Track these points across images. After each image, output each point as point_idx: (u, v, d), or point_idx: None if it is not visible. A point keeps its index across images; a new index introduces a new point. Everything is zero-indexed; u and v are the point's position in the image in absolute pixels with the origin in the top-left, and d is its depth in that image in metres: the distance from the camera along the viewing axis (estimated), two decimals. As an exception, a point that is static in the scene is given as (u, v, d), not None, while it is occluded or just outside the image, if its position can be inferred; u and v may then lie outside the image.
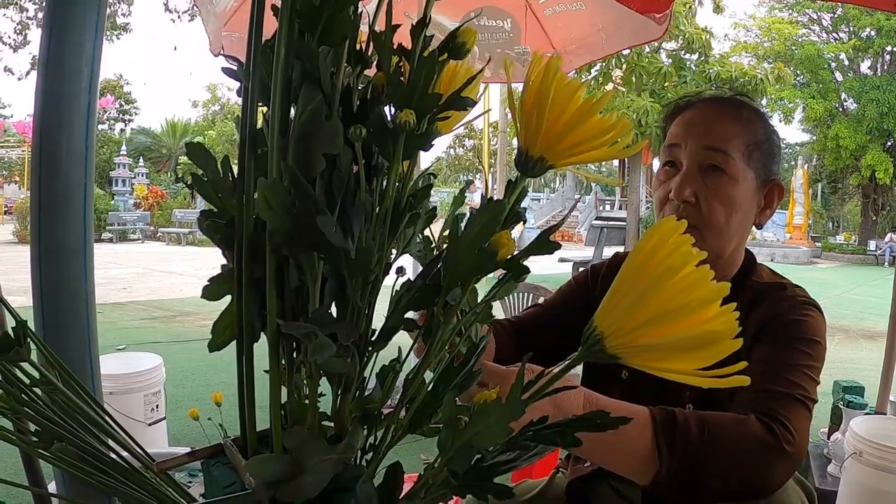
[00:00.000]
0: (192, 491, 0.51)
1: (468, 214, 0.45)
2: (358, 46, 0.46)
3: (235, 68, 0.44)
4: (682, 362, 0.39)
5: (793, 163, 24.12)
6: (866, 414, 2.39)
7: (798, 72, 20.14)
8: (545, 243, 0.46)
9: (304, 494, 0.40)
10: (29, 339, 0.47)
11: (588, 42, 3.30)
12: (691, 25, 10.45)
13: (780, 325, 0.96)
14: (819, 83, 20.67)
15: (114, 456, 0.50)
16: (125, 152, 20.56)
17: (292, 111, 0.43)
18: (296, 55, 0.42)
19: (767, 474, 0.79)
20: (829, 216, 26.06)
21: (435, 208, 0.51)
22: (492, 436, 0.41)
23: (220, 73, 0.46)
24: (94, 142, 1.12)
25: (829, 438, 2.45)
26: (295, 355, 0.46)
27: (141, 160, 22.22)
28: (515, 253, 0.45)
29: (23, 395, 0.47)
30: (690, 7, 10.52)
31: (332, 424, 0.48)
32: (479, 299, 0.50)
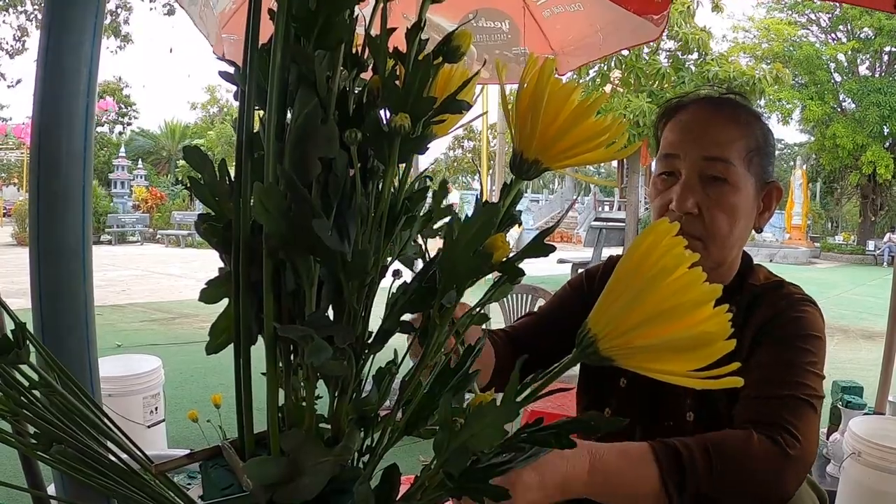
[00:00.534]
0: (191, 493, 0.51)
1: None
2: (354, 50, 0.47)
3: (232, 72, 0.45)
4: (676, 363, 0.39)
5: (791, 163, 24.14)
6: (865, 414, 2.39)
7: (796, 73, 20.14)
8: (541, 246, 0.46)
9: (302, 496, 0.40)
10: (28, 342, 0.47)
11: (586, 43, 3.30)
12: (690, 25, 10.46)
13: (779, 325, 0.95)
14: (817, 84, 20.66)
15: (113, 458, 0.50)
16: (124, 154, 20.57)
17: (288, 115, 0.43)
18: (292, 59, 0.42)
19: (780, 486, 0.79)
20: (828, 216, 26.05)
21: (431, 211, 0.51)
22: (487, 438, 0.41)
23: (217, 75, 0.47)
24: (93, 143, 1.12)
25: (828, 439, 2.45)
26: (292, 358, 0.46)
27: (140, 162, 22.24)
28: (511, 255, 0.46)
29: (22, 398, 0.47)
30: (689, 7, 10.53)
31: (329, 427, 0.48)
32: (475, 302, 0.50)
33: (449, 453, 0.42)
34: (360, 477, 0.45)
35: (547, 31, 3.41)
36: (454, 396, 0.48)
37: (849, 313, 8.94)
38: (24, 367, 0.48)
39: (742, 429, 0.84)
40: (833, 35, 22.20)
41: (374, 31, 0.45)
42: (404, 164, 0.47)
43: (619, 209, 21.88)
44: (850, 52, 20.89)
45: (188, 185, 0.45)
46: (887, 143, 19.64)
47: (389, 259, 0.49)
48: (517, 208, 0.49)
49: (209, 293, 0.45)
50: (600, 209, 23.67)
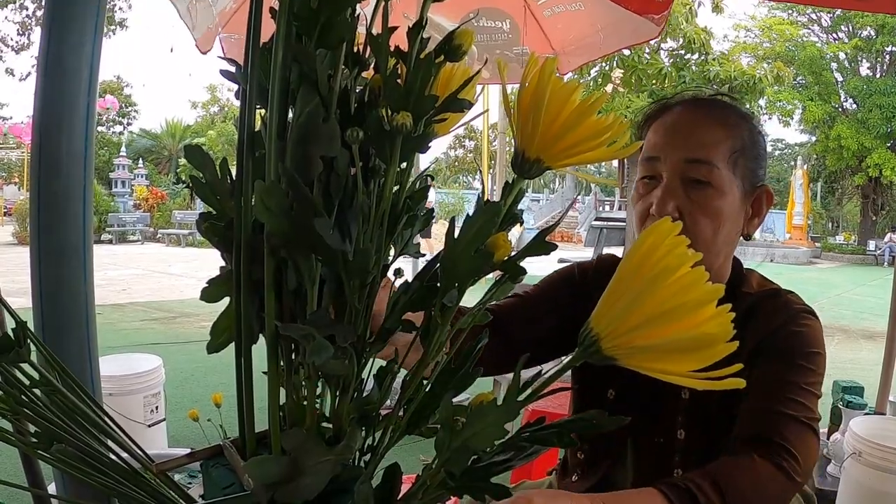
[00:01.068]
0: (192, 492, 0.51)
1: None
2: (355, 49, 0.47)
3: (234, 71, 0.45)
4: (677, 364, 0.39)
5: (792, 163, 24.12)
6: (866, 414, 2.39)
7: (798, 73, 20.10)
8: (542, 244, 0.46)
9: (303, 496, 0.40)
10: (29, 340, 0.47)
11: (587, 43, 3.30)
12: (691, 25, 10.45)
13: (779, 340, 0.92)
14: (820, 84, 20.63)
15: (113, 457, 0.50)
16: (125, 154, 20.59)
17: (290, 114, 0.43)
18: (293, 58, 0.42)
19: None
20: (829, 216, 26.04)
21: (432, 210, 0.51)
22: (488, 437, 0.41)
23: (218, 74, 0.47)
24: (94, 142, 1.12)
25: (828, 438, 2.45)
26: (293, 357, 0.46)
27: (141, 162, 22.26)
28: (512, 254, 0.46)
29: (22, 396, 0.47)
30: (690, 7, 10.52)
31: (330, 426, 0.48)
32: (476, 301, 0.50)
33: (450, 452, 0.42)
34: (361, 476, 0.45)
35: (547, 30, 3.41)
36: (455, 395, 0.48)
37: (849, 313, 8.93)
38: (25, 366, 0.48)
39: (742, 451, 0.83)
40: (834, 35, 22.19)
41: (376, 30, 0.45)
42: (406, 163, 0.47)
43: (620, 209, 21.87)
44: (851, 52, 20.87)
45: (190, 184, 0.45)
46: (889, 143, 19.62)
47: (391, 257, 0.49)
48: (518, 207, 0.49)
49: (210, 292, 0.45)
50: (601, 209, 23.66)
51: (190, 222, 16.49)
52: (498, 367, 0.92)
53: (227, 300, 0.46)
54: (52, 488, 1.14)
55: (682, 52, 10.81)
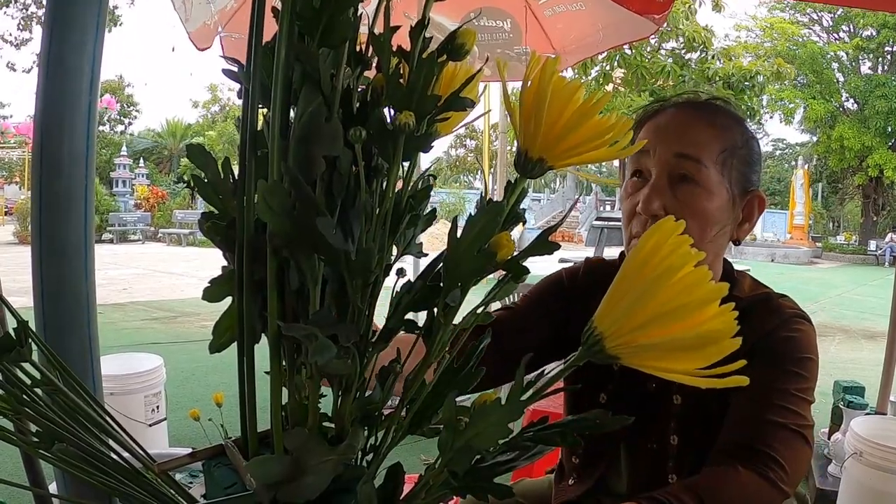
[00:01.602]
0: (193, 492, 0.51)
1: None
2: (358, 48, 0.47)
3: (236, 70, 0.45)
4: (682, 362, 0.39)
5: (793, 163, 24.10)
6: (867, 414, 2.38)
7: (799, 71, 20.08)
8: (545, 244, 0.46)
9: (305, 495, 0.40)
10: (30, 340, 0.47)
11: (587, 42, 3.31)
12: (692, 24, 10.44)
13: (771, 345, 0.91)
14: (821, 83, 20.60)
15: (114, 456, 0.50)
16: (126, 153, 20.62)
17: (292, 113, 0.43)
18: (296, 57, 0.42)
19: None
20: (830, 216, 26.03)
21: (434, 210, 0.51)
22: (491, 436, 0.41)
23: (220, 73, 0.47)
24: (95, 142, 1.12)
25: (829, 438, 2.45)
26: (296, 356, 0.46)
27: (142, 161, 22.29)
28: (515, 254, 0.46)
29: (24, 396, 0.47)
30: (690, 7, 10.51)
31: (332, 425, 0.48)
32: (479, 301, 0.50)
33: (453, 452, 0.42)
34: (363, 476, 0.45)
35: (548, 30, 3.42)
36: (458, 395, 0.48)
37: (850, 313, 8.93)
38: (27, 366, 0.48)
39: (727, 461, 0.82)
40: (835, 35, 22.17)
41: (378, 30, 0.45)
42: (409, 162, 0.47)
43: (621, 209, 21.81)
44: (852, 52, 20.85)
45: (191, 183, 0.45)
46: (891, 142, 19.60)
47: (393, 257, 0.49)
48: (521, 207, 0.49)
49: (213, 292, 0.45)
50: (602, 208, 23.65)
51: (190, 221, 16.51)
52: (493, 380, 0.92)
53: (228, 300, 0.45)
54: (53, 488, 1.13)
55: (683, 50, 10.81)
